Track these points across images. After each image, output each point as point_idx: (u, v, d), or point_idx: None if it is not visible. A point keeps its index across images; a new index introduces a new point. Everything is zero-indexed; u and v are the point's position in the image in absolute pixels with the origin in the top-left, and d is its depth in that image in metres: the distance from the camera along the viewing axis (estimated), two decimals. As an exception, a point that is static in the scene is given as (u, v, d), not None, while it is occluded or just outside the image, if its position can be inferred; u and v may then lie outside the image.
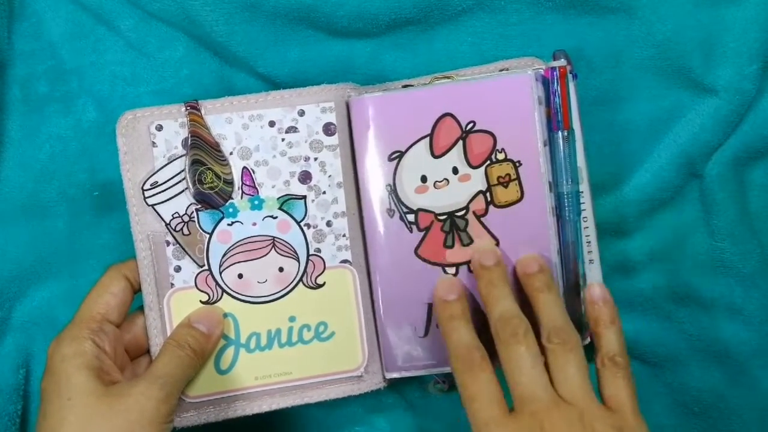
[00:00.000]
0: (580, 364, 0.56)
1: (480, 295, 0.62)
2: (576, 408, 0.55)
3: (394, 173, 0.64)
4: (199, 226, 0.63)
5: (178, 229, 0.63)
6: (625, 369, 0.58)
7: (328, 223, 0.65)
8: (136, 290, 0.64)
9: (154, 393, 0.57)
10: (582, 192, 0.65)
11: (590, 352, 0.61)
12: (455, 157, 0.63)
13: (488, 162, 0.63)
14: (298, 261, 0.65)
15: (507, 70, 0.66)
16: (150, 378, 0.58)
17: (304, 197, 0.64)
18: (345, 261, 0.65)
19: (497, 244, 0.63)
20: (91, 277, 0.71)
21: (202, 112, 0.63)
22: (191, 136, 0.63)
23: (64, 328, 0.60)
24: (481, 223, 0.63)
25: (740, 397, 0.72)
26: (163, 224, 0.63)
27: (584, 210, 0.65)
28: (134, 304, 0.64)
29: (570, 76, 0.63)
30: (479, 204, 0.63)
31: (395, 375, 0.66)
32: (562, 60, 0.64)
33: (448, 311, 0.61)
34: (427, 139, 0.63)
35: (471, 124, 0.63)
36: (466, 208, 0.63)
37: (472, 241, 0.63)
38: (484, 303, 0.61)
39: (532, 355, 0.56)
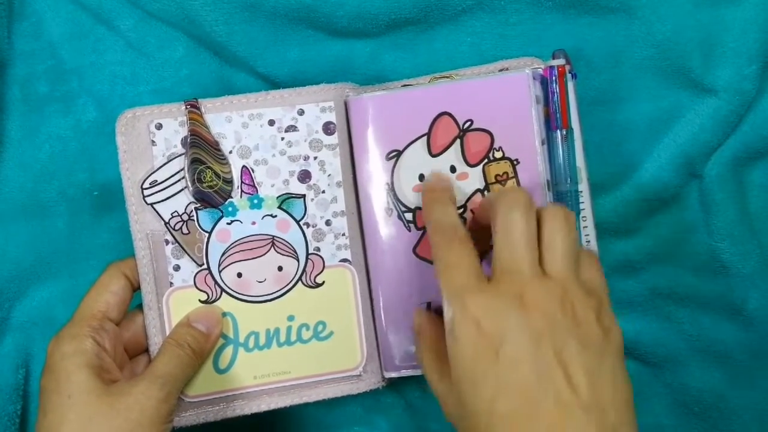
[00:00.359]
0: (569, 235, 0.54)
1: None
2: (558, 283, 0.52)
3: (392, 172, 0.64)
4: (199, 225, 0.63)
5: (177, 227, 0.63)
6: (598, 261, 0.57)
7: (328, 222, 0.65)
8: (136, 288, 0.64)
9: (154, 393, 0.57)
10: (581, 192, 0.65)
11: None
12: (453, 155, 0.63)
13: (486, 160, 0.63)
14: (298, 260, 0.65)
15: (507, 70, 0.66)
16: (150, 377, 0.58)
17: (304, 196, 0.64)
18: (344, 260, 0.65)
19: (496, 243, 0.63)
20: (90, 276, 0.71)
21: (202, 110, 0.63)
22: (191, 135, 0.63)
23: (63, 326, 0.60)
24: (480, 222, 0.63)
25: (740, 398, 0.72)
26: (163, 223, 0.63)
27: (584, 210, 0.65)
28: (133, 302, 0.64)
29: (569, 76, 0.63)
30: (477, 202, 0.63)
31: (394, 374, 0.66)
32: (561, 59, 0.64)
33: (435, 195, 0.60)
34: (425, 137, 0.63)
35: (468, 123, 0.63)
36: (464, 206, 0.63)
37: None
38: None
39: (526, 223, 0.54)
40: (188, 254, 0.64)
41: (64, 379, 0.57)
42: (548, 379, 0.48)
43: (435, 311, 0.63)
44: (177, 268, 0.64)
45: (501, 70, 0.66)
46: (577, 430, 0.48)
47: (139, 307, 0.65)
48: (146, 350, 0.65)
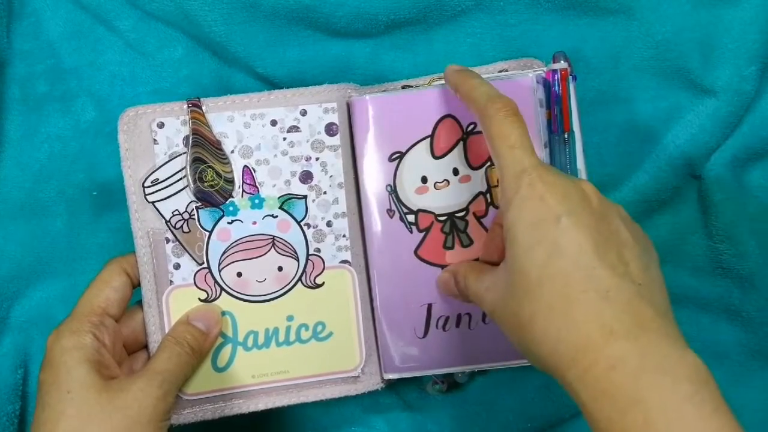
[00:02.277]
0: None
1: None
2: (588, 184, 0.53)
3: (395, 174, 0.64)
4: (199, 223, 0.63)
5: (178, 226, 0.63)
6: None
7: (329, 223, 0.65)
8: (136, 285, 0.64)
9: (153, 390, 0.57)
10: (581, 193, 0.65)
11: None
12: (456, 158, 0.63)
13: (489, 163, 0.63)
14: (298, 260, 0.65)
15: (506, 70, 0.66)
16: (149, 375, 0.58)
17: (305, 197, 0.64)
18: (344, 261, 0.65)
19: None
20: (89, 276, 0.70)
21: (204, 109, 0.63)
22: (192, 134, 0.63)
23: (63, 321, 0.60)
24: (481, 224, 0.64)
25: (739, 398, 0.72)
26: (163, 221, 0.63)
27: (583, 211, 0.65)
28: (133, 298, 0.64)
29: (570, 78, 0.63)
30: (479, 205, 0.63)
31: (393, 376, 0.66)
32: (563, 62, 0.64)
33: (466, 72, 0.59)
34: (428, 140, 0.63)
35: (472, 126, 0.63)
36: (467, 209, 0.64)
37: (472, 242, 0.64)
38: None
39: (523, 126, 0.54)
40: (188, 253, 0.63)
41: (64, 373, 0.57)
42: (604, 253, 0.49)
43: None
44: (177, 266, 0.63)
45: (500, 71, 0.66)
46: (628, 297, 0.48)
47: (139, 303, 0.65)
48: (145, 347, 0.65)
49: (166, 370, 0.59)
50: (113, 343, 0.61)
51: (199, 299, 0.64)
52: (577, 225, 0.49)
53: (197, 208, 0.63)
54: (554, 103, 0.63)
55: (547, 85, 0.63)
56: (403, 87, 0.66)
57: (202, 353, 0.63)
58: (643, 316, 0.47)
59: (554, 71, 0.63)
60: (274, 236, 0.64)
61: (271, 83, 0.72)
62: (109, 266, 0.63)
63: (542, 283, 0.49)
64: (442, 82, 0.65)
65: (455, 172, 0.64)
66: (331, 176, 0.65)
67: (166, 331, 0.63)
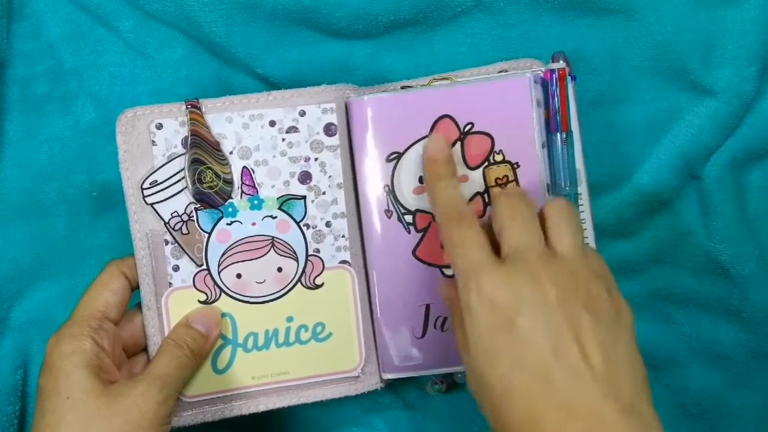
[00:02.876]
0: (574, 221, 0.55)
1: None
2: (569, 262, 0.52)
3: (393, 174, 0.64)
4: (198, 225, 0.63)
5: (177, 228, 0.63)
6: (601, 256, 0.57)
7: (328, 224, 0.65)
8: (135, 288, 0.64)
9: (153, 395, 0.57)
10: (580, 194, 0.65)
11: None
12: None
13: (486, 163, 0.63)
14: (297, 261, 0.65)
15: (506, 71, 0.66)
16: (149, 379, 0.58)
17: (304, 197, 0.64)
18: (344, 262, 0.65)
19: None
20: (89, 277, 0.71)
21: (203, 110, 0.63)
22: (191, 135, 0.63)
23: (62, 325, 0.60)
24: (480, 224, 0.63)
25: (739, 399, 0.72)
26: (162, 223, 0.63)
27: (582, 212, 0.65)
28: (132, 301, 0.64)
29: (569, 78, 0.63)
30: (477, 205, 0.63)
31: (392, 376, 0.66)
32: (561, 62, 0.64)
33: (438, 170, 0.60)
34: (426, 140, 0.63)
35: (469, 126, 0.63)
36: (465, 210, 0.64)
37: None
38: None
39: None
40: (188, 254, 0.63)
41: (63, 379, 0.57)
42: (563, 351, 0.48)
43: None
44: (176, 268, 0.63)
45: (500, 71, 0.66)
46: (592, 405, 0.48)
47: (138, 306, 0.65)
48: (144, 350, 0.65)
49: (167, 374, 0.59)
50: (112, 346, 0.61)
51: (199, 301, 0.64)
52: (533, 327, 0.49)
53: (196, 209, 0.63)
54: (552, 103, 0.63)
55: (545, 85, 0.63)
56: (403, 87, 0.66)
57: (203, 356, 0.63)
58: (607, 421, 0.47)
59: (552, 71, 0.63)
60: (273, 237, 0.64)
61: (271, 84, 0.72)
62: (107, 269, 0.63)
63: (506, 397, 0.49)
64: (442, 82, 0.65)
65: (453, 172, 0.64)
66: (330, 177, 0.65)
67: (166, 333, 0.63)
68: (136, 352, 0.65)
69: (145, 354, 0.65)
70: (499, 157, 0.63)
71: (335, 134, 0.65)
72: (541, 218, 0.55)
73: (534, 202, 0.56)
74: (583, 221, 0.65)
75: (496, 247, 0.54)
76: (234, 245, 0.64)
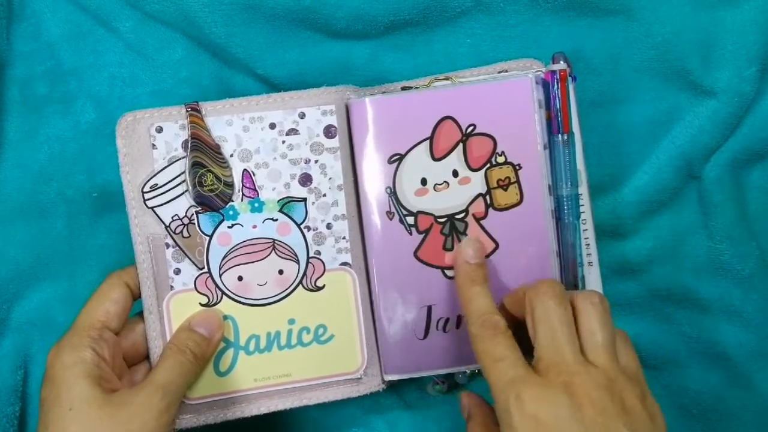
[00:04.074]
0: (607, 320, 0.55)
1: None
2: (603, 372, 0.52)
3: (394, 176, 0.64)
4: (199, 228, 0.63)
5: (177, 231, 0.63)
6: (629, 340, 0.57)
7: (328, 226, 0.65)
8: (136, 297, 0.64)
9: (155, 402, 0.57)
10: (581, 194, 0.65)
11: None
12: (455, 159, 0.63)
13: (488, 165, 0.63)
14: (298, 263, 0.65)
15: (506, 71, 0.66)
16: (151, 387, 0.58)
17: (305, 199, 0.64)
18: (345, 263, 0.65)
19: (496, 247, 0.63)
20: (89, 278, 0.71)
21: (203, 113, 0.63)
22: (191, 138, 0.63)
23: (63, 336, 0.60)
24: (481, 225, 0.64)
25: (739, 399, 0.72)
26: (163, 226, 0.63)
27: (583, 212, 0.65)
28: (134, 310, 0.64)
29: (569, 79, 0.63)
30: (479, 207, 0.63)
31: (394, 377, 0.66)
32: (562, 63, 0.64)
33: (470, 274, 0.61)
34: (428, 141, 0.63)
35: (471, 127, 0.63)
36: (466, 210, 0.64)
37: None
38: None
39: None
40: (189, 258, 0.63)
41: (65, 390, 0.57)
42: None
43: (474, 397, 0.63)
44: (177, 271, 0.63)
45: (500, 72, 0.66)
46: None
47: (139, 315, 0.65)
48: (146, 358, 0.65)
49: (169, 381, 0.59)
50: (113, 356, 0.61)
51: (200, 304, 0.64)
52: None
53: (197, 212, 0.63)
54: (553, 104, 0.63)
55: (546, 85, 0.63)
56: (403, 88, 0.66)
57: (206, 359, 0.63)
58: None
59: (553, 72, 0.63)
60: (274, 239, 0.64)
61: (271, 85, 0.72)
62: (108, 279, 0.63)
63: None
64: (442, 82, 0.65)
65: (455, 173, 0.63)
66: (330, 178, 0.65)
67: (167, 336, 0.63)
68: (138, 361, 0.65)
69: (146, 363, 0.65)
70: (501, 159, 0.63)
71: (335, 136, 0.65)
72: (574, 310, 0.55)
73: (566, 296, 0.56)
74: (583, 222, 0.65)
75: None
76: (235, 248, 0.64)
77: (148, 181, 0.63)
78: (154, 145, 0.63)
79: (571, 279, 0.64)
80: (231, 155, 0.63)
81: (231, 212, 0.64)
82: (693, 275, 0.73)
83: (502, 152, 0.63)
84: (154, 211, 0.63)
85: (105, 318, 0.61)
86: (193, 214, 0.63)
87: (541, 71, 0.64)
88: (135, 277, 0.64)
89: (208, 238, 0.63)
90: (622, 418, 0.51)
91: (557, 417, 0.50)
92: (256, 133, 0.64)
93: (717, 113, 0.70)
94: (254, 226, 0.64)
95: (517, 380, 0.52)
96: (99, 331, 0.60)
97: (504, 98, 0.62)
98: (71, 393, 0.57)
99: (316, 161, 0.64)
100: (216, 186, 0.63)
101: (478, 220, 0.63)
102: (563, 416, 0.50)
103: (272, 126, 0.64)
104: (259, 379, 0.65)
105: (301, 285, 0.65)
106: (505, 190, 0.63)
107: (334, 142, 0.64)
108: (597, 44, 0.71)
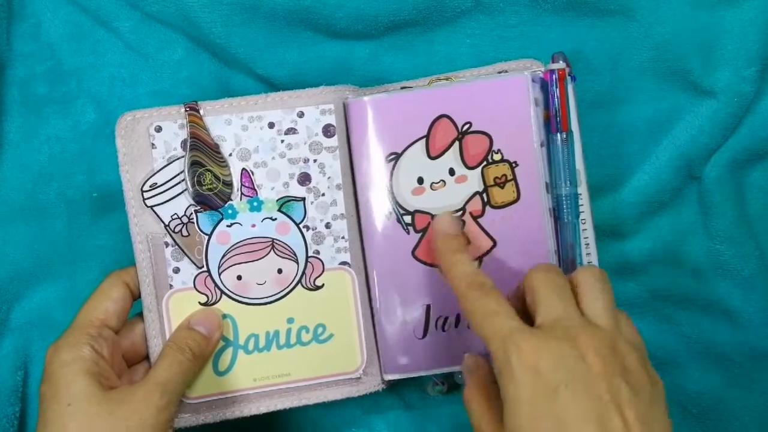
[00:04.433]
0: (606, 288, 0.55)
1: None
2: (607, 332, 0.52)
3: (391, 175, 0.64)
4: (198, 227, 0.63)
5: (177, 230, 0.63)
6: (631, 320, 0.57)
7: (327, 225, 0.65)
8: (136, 297, 0.64)
9: (154, 400, 0.57)
10: (580, 194, 0.65)
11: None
12: (451, 158, 0.63)
13: (485, 163, 0.63)
14: (297, 263, 0.65)
15: (506, 71, 0.66)
16: (150, 385, 0.58)
17: (304, 199, 0.64)
18: (344, 263, 0.65)
19: (494, 245, 0.63)
20: (89, 278, 0.71)
21: (202, 113, 0.63)
22: (190, 138, 0.63)
23: (62, 334, 0.60)
24: (478, 223, 0.64)
25: (739, 400, 0.72)
26: (162, 225, 0.63)
27: (582, 212, 0.65)
28: (133, 309, 0.65)
29: (569, 79, 0.63)
30: (476, 205, 0.63)
31: (393, 376, 0.66)
32: (561, 62, 0.64)
33: (450, 244, 0.60)
34: (424, 140, 0.63)
35: (467, 125, 0.63)
36: (463, 209, 0.64)
37: (468, 242, 0.63)
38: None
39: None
40: (188, 257, 0.64)
41: (64, 387, 0.57)
42: (607, 420, 0.48)
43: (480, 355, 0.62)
44: (177, 270, 0.64)
45: (500, 72, 0.66)
46: None
47: (139, 315, 0.65)
48: (145, 358, 0.65)
49: (168, 380, 0.59)
50: (111, 354, 0.61)
51: (199, 303, 0.64)
52: (577, 397, 0.49)
53: (196, 211, 0.63)
54: (552, 104, 0.63)
55: (545, 85, 0.63)
56: (403, 88, 0.66)
57: (204, 358, 0.63)
58: None
59: (552, 71, 0.63)
60: (273, 239, 0.64)
61: (271, 84, 0.72)
62: (108, 278, 0.63)
63: None
64: (442, 82, 0.65)
65: (451, 172, 0.64)
66: (329, 178, 0.65)
67: (167, 335, 0.63)
68: (137, 361, 0.65)
69: (145, 363, 0.65)
70: (497, 156, 0.63)
71: (334, 135, 0.65)
72: (572, 286, 0.55)
73: (565, 277, 0.56)
74: (583, 222, 0.65)
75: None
76: (234, 247, 0.64)
77: (148, 180, 0.63)
78: (153, 144, 0.63)
79: (570, 279, 0.64)
80: (230, 154, 0.63)
81: (230, 211, 0.64)
82: (693, 275, 0.73)
83: (499, 150, 0.63)
84: (154, 210, 0.63)
85: (104, 316, 0.61)
86: (192, 213, 0.63)
87: (539, 70, 0.64)
88: (135, 277, 0.64)
89: (207, 237, 0.64)
90: (624, 375, 0.50)
91: (560, 367, 0.49)
92: (254, 132, 0.64)
93: (717, 113, 0.70)
94: (253, 225, 0.64)
95: (515, 332, 0.51)
96: (98, 329, 0.60)
97: (500, 96, 0.62)
98: (70, 389, 0.57)
99: (315, 160, 0.64)
100: (215, 185, 0.63)
101: (475, 218, 0.63)
102: (566, 366, 0.49)
103: (271, 125, 0.64)
104: (259, 379, 0.65)
105: (300, 284, 0.65)
106: (502, 187, 0.63)
107: (333, 142, 0.65)
108: (597, 44, 0.71)
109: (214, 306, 0.64)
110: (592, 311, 0.53)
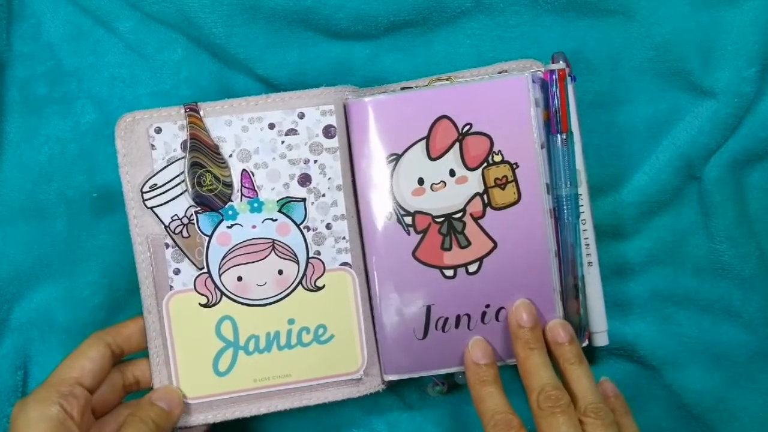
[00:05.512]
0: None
1: (516, 356, 0.63)
2: None
3: (392, 175, 0.64)
4: (199, 228, 0.63)
5: (177, 231, 0.63)
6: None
7: (328, 226, 0.65)
8: (118, 356, 0.64)
9: None
10: (581, 195, 0.65)
11: (588, 354, 0.63)
12: (452, 159, 0.63)
13: (485, 164, 0.63)
14: (298, 264, 0.65)
15: (506, 72, 0.66)
16: None
17: (304, 200, 0.64)
18: (344, 264, 0.65)
19: (495, 246, 0.63)
20: (89, 278, 0.71)
21: (202, 114, 0.63)
22: (190, 139, 0.63)
23: (32, 391, 0.60)
24: (479, 225, 0.64)
25: (739, 400, 0.72)
26: (162, 227, 0.63)
27: (583, 213, 0.65)
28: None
29: (569, 79, 0.63)
30: (476, 206, 0.63)
31: (394, 377, 0.66)
32: (561, 63, 0.64)
33: (481, 375, 0.62)
34: (424, 141, 0.63)
35: (468, 126, 0.63)
36: (463, 210, 0.64)
37: (469, 243, 0.64)
38: (520, 366, 0.62)
39: (573, 427, 0.56)
40: (188, 258, 0.64)
41: None
42: None
43: None
44: (177, 271, 0.64)
45: (500, 72, 0.66)
46: None
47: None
48: (114, 407, 0.65)
49: None
50: (81, 413, 0.59)
51: (200, 304, 0.64)
52: None
53: (196, 212, 0.63)
54: (552, 104, 0.63)
55: (545, 85, 0.63)
56: (403, 89, 0.66)
57: (165, 431, 0.63)
58: None
59: (552, 72, 0.63)
60: (273, 240, 0.64)
61: (271, 85, 0.72)
62: (89, 338, 0.63)
63: None
64: (442, 83, 0.65)
65: (452, 173, 0.64)
66: (329, 178, 0.65)
67: (167, 336, 0.64)
68: (106, 412, 0.64)
69: (113, 417, 0.64)
70: (498, 158, 0.63)
71: (334, 136, 0.65)
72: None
73: (576, 417, 0.58)
74: (583, 222, 0.65)
75: None
76: (234, 248, 0.64)
77: (148, 181, 0.63)
78: (153, 145, 0.63)
79: (570, 279, 0.64)
80: (230, 155, 0.63)
81: (230, 212, 0.64)
82: (693, 276, 0.73)
83: (499, 151, 0.63)
84: (154, 211, 0.63)
85: (79, 374, 0.60)
86: (192, 214, 0.63)
87: (539, 70, 0.64)
88: (118, 336, 0.63)
89: (207, 238, 0.64)
90: None
91: None
92: (255, 133, 0.64)
93: (717, 114, 0.70)
94: (254, 227, 0.64)
95: None
96: (70, 387, 0.59)
97: (500, 97, 0.62)
98: None
99: (316, 161, 0.64)
100: (215, 186, 0.63)
101: (475, 219, 0.63)
102: None
103: (271, 126, 0.64)
104: (259, 380, 0.65)
105: (300, 285, 0.65)
106: (503, 189, 0.63)
107: (334, 143, 0.65)
108: (597, 44, 0.71)
109: (175, 386, 0.64)
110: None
